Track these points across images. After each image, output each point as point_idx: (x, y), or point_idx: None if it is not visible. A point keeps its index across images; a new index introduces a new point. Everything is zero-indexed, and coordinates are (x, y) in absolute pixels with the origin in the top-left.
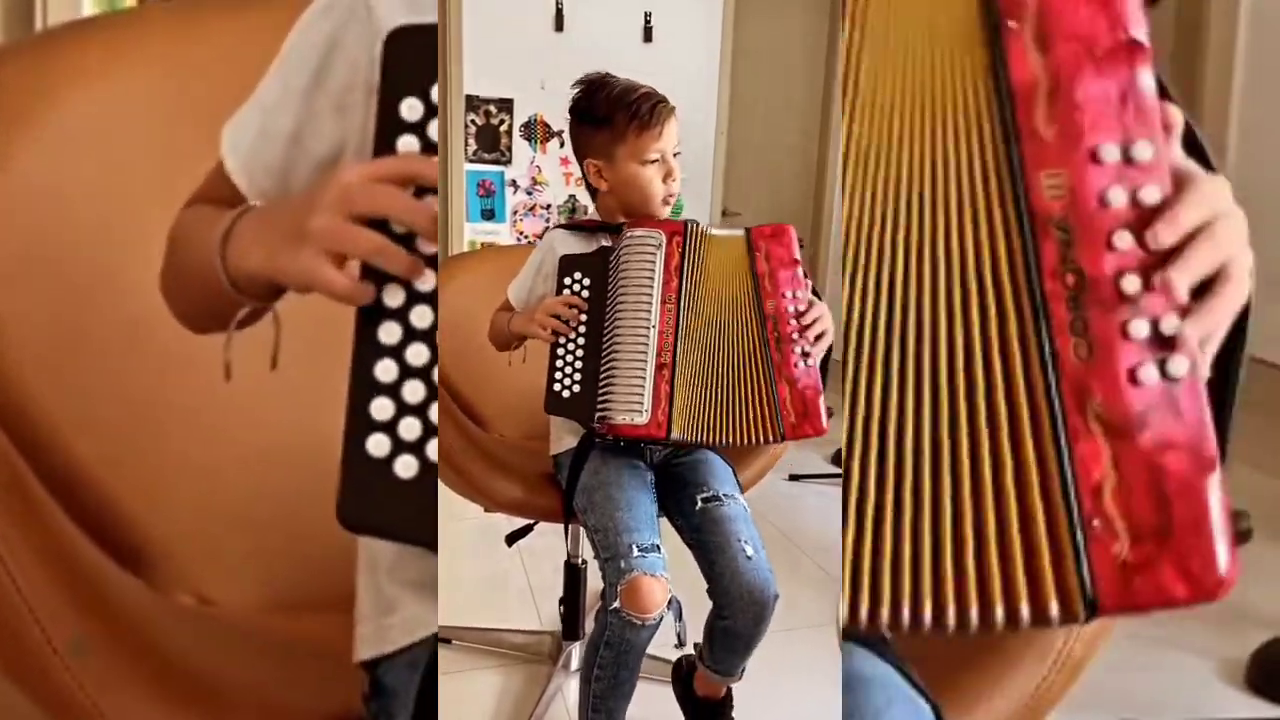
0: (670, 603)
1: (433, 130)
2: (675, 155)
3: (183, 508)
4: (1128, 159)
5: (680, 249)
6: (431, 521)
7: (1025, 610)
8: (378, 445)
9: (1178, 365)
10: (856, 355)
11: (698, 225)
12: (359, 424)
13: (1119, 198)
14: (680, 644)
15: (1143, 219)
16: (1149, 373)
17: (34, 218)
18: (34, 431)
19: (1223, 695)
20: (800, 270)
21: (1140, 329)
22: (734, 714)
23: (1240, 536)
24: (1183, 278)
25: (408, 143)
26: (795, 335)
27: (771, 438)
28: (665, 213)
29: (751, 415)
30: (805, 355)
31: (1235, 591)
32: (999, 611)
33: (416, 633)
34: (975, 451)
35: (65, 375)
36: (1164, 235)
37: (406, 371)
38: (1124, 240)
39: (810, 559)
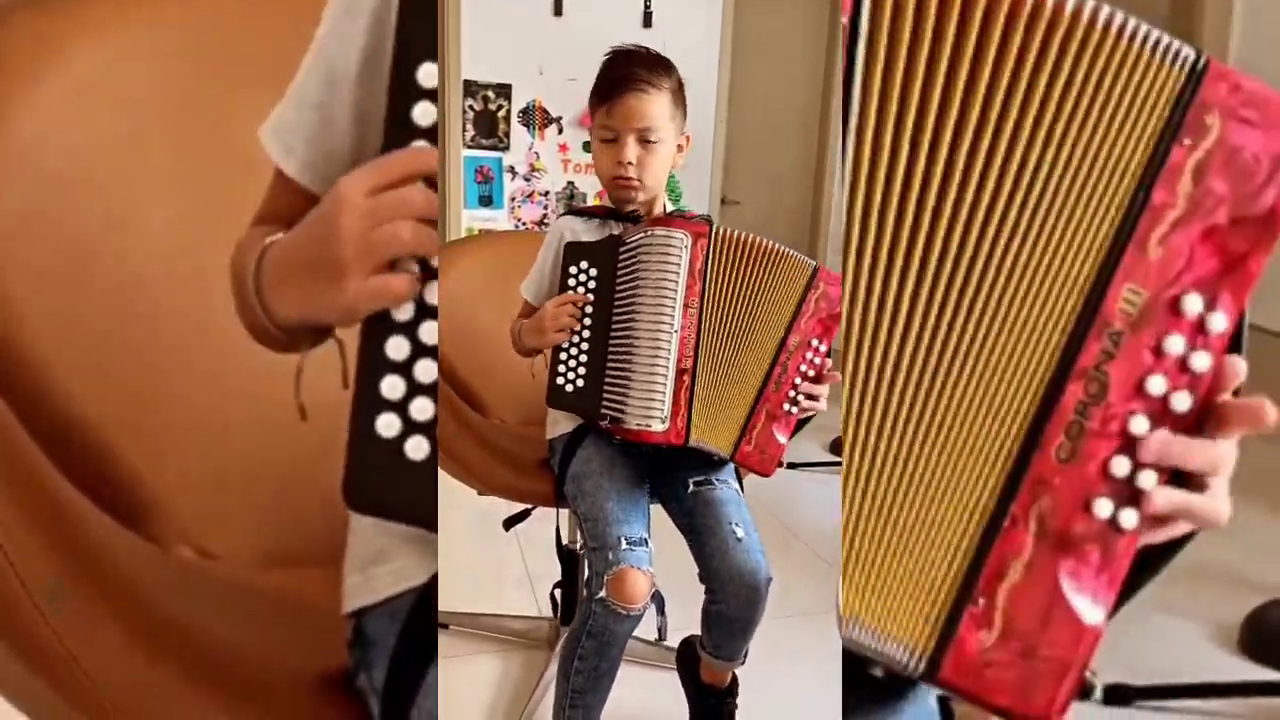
0: (653, 597)
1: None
2: (650, 141)
3: (184, 462)
4: (1202, 321)
5: (705, 251)
6: (434, 503)
7: (880, 642)
8: (388, 425)
9: (1128, 518)
10: (858, 347)
11: (725, 228)
12: (368, 403)
13: (1175, 347)
14: (661, 638)
15: (1182, 378)
16: (1102, 507)
17: (38, 174)
18: (34, 384)
19: (1216, 659)
20: (830, 334)
21: (1121, 467)
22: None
23: (1083, 692)
24: (1172, 448)
25: (425, 110)
26: (797, 380)
27: (722, 449)
28: (630, 195)
29: (721, 423)
30: (794, 403)
31: (1230, 557)
32: (859, 632)
33: (404, 583)
34: (937, 476)
35: (68, 330)
36: (1183, 403)
37: (419, 350)
38: (1156, 386)
39: (807, 547)
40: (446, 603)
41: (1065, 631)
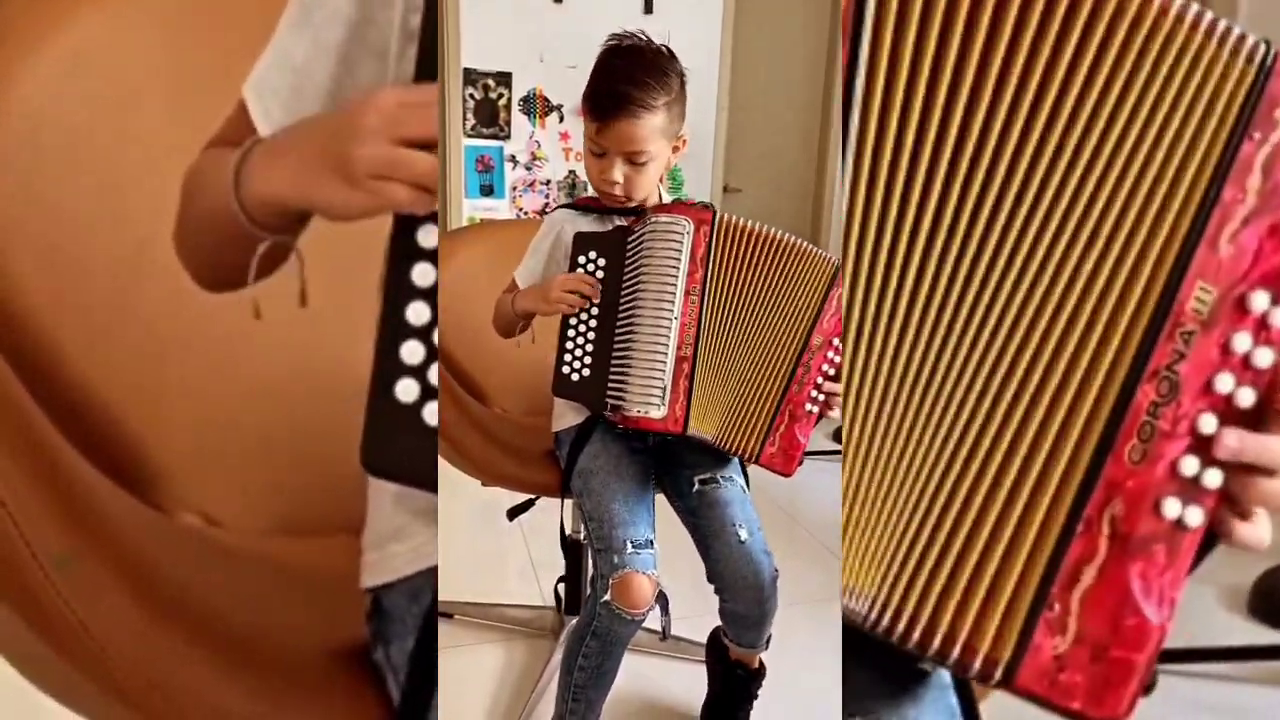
0: (658, 597)
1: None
2: (640, 162)
3: (189, 430)
4: (1265, 317)
5: (707, 238)
6: (436, 468)
7: (956, 650)
8: (406, 390)
9: (1194, 515)
10: (857, 338)
11: (730, 216)
12: (388, 368)
13: (1242, 344)
14: (664, 637)
15: (1246, 374)
16: (1171, 508)
17: (38, 145)
18: (35, 351)
19: (1225, 622)
20: None
21: (1190, 466)
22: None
23: (1148, 688)
24: (1248, 445)
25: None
26: (819, 380)
27: (747, 454)
28: (616, 207)
29: (743, 423)
30: (815, 401)
31: None
32: (936, 641)
33: (421, 562)
34: (1007, 488)
35: (70, 296)
36: (1248, 399)
37: (436, 316)
38: (1224, 385)
39: (811, 534)
40: (450, 592)
41: (1134, 633)
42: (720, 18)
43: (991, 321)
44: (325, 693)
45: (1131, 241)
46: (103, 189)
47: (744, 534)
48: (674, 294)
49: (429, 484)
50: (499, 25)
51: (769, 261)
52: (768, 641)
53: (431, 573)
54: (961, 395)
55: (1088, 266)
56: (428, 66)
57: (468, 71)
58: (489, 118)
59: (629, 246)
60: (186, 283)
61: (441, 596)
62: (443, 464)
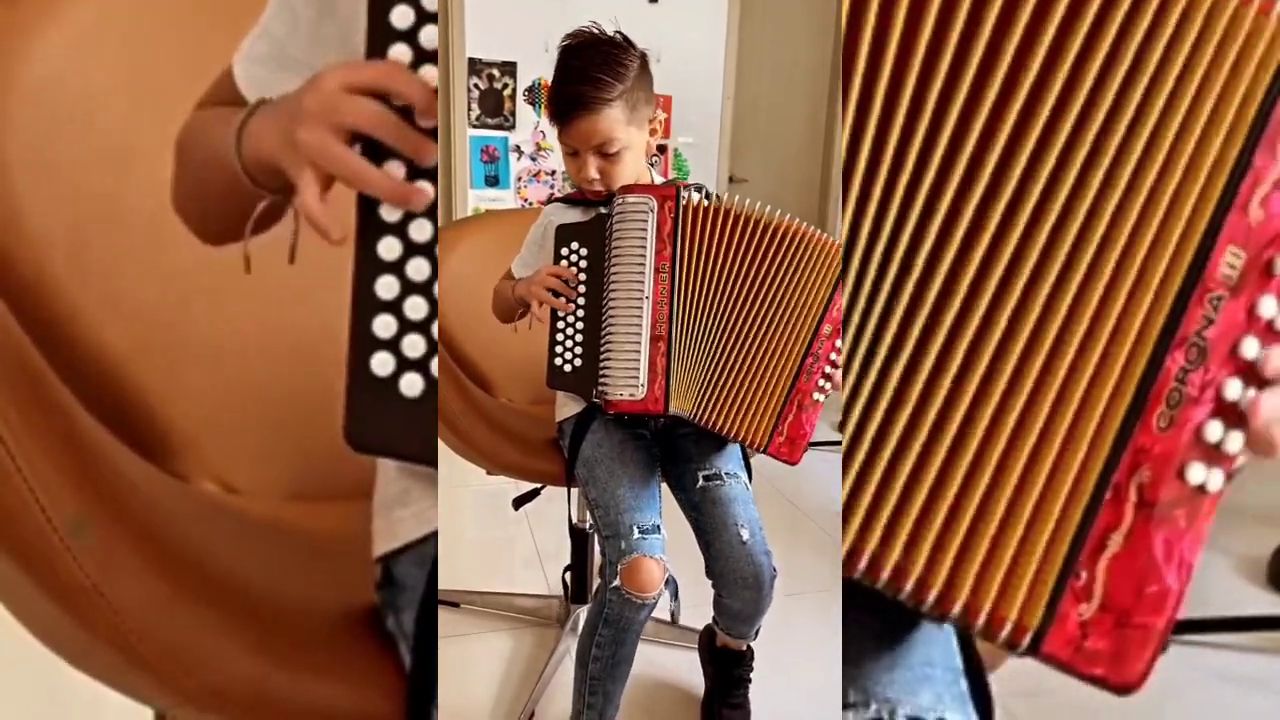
0: (667, 582)
1: (427, 38)
2: (611, 154)
3: (206, 396)
4: None
5: (673, 214)
6: (434, 440)
7: (981, 618)
8: (382, 364)
9: (1215, 480)
10: (855, 294)
11: (695, 190)
12: (362, 342)
13: (1268, 309)
14: (674, 621)
15: (1272, 338)
16: (1196, 473)
17: (58, 107)
18: (53, 318)
19: (1243, 592)
20: None
21: (1214, 432)
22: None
23: (1163, 648)
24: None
25: (400, 51)
26: (828, 369)
27: (755, 443)
28: (601, 199)
29: (751, 412)
30: (822, 390)
31: (1258, 491)
32: (958, 607)
33: (426, 526)
34: (1007, 452)
35: (88, 262)
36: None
37: (408, 287)
38: (1249, 349)
39: (815, 524)
40: (457, 581)
41: (1155, 599)
42: (726, 6)
43: (1021, 287)
44: (341, 659)
45: (1162, 206)
46: (118, 154)
47: (746, 534)
48: (643, 272)
49: (415, 456)
50: (503, 15)
51: (758, 242)
52: (756, 632)
53: (433, 536)
54: (994, 363)
55: (1118, 233)
56: (376, 43)
57: (472, 61)
58: (494, 108)
59: (606, 233)
60: (195, 252)
61: (448, 586)
62: (449, 453)
